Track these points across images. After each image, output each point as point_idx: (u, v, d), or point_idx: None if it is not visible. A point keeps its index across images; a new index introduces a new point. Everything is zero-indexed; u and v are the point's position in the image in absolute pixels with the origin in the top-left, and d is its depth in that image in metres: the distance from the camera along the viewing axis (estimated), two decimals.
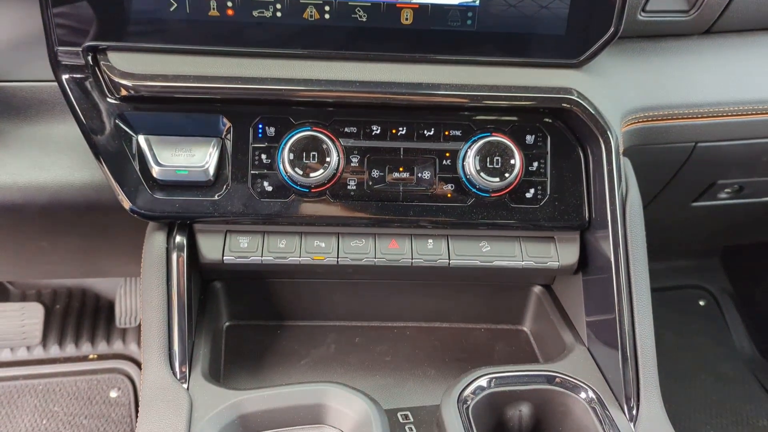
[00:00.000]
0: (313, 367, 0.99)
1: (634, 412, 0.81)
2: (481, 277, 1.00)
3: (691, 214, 1.29)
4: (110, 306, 1.81)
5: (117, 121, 0.84)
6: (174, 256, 0.86)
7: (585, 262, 0.93)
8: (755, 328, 1.83)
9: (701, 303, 1.93)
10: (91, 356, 1.72)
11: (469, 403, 0.82)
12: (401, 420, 0.87)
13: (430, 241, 0.90)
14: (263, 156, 0.86)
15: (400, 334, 1.06)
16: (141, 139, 0.84)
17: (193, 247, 0.88)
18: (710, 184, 1.17)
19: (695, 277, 1.95)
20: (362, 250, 0.89)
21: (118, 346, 1.74)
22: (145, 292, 0.85)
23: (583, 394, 0.84)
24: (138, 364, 1.70)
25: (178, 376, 0.83)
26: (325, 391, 0.82)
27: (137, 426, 0.77)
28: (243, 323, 1.05)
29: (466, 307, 1.08)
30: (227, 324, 1.04)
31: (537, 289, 1.05)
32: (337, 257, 0.88)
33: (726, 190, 1.20)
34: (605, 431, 0.79)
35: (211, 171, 0.85)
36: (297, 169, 0.84)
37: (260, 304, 1.05)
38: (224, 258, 0.88)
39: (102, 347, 1.73)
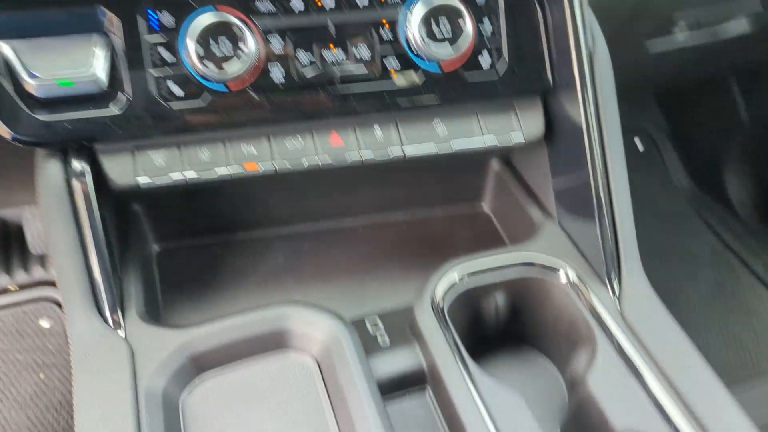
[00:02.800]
0: (262, 285, 0.89)
1: (616, 287, 0.76)
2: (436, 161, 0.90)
3: (643, 58, 1.21)
4: (20, 232, 1.62)
5: None
6: (76, 185, 0.71)
7: (549, 128, 0.83)
8: (693, 165, 1.84)
9: (638, 142, 1.92)
10: (11, 288, 1.56)
11: (443, 305, 0.75)
12: (371, 328, 0.79)
13: (377, 126, 0.78)
14: (162, 51, 0.69)
15: (352, 233, 0.96)
16: (2, 46, 0.66)
17: (99, 172, 0.73)
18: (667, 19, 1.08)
19: (632, 118, 1.92)
20: (301, 150, 0.76)
21: (38, 273, 1.58)
22: (51, 234, 0.71)
23: (562, 276, 0.78)
24: None
25: (111, 323, 0.72)
26: (284, 315, 0.73)
27: (74, 390, 0.67)
28: (174, 246, 0.93)
29: (420, 193, 0.98)
30: (157, 250, 0.91)
31: (495, 163, 0.96)
32: (273, 162, 0.75)
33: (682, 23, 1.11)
34: (590, 313, 0.74)
35: (103, 77, 0.68)
36: (207, 63, 0.69)
37: (191, 221, 0.92)
38: (140, 181, 0.73)
39: (21, 277, 1.57)
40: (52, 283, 1.57)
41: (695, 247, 1.70)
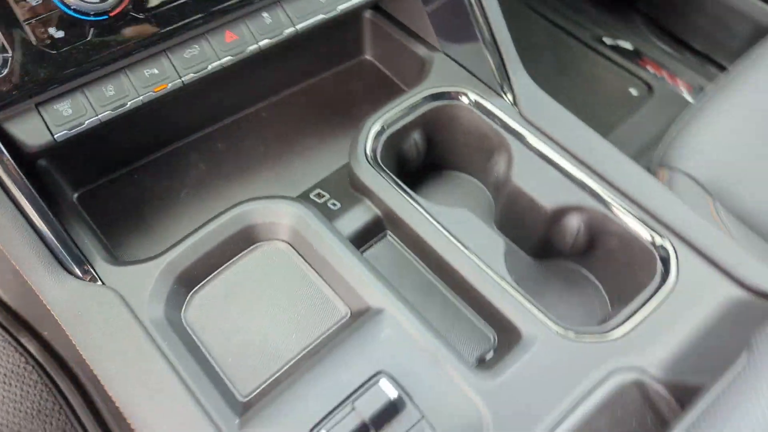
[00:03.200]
0: (197, 195, 0.91)
1: (510, 95, 0.88)
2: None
3: None
4: None
5: None
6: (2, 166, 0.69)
7: None
8: None
9: None
10: None
11: (375, 153, 0.83)
12: (318, 200, 0.86)
13: (265, 14, 0.79)
14: None
15: (256, 119, 0.99)
16: None
17: (6, 140, 0.70)
18: None
19: None
20: (200, 56, 0.76)
21: None
22: None
23: (464, 99, 0.88)
24: None
25: (83, 277, 0.73)
26: (244, 213, 0.77)
27: (83, 351, 0.70)
28: (92, 187, 0.91)
29: (305, 65, 1.02)
30: (76, 196, 0.90)
31: (367, 13, 1.00)
32: (180, 77, 0.75)
33: None
34: (496, 122, 0.86)
35: None
36: None
37: (100, 158, 0.90)
38: (56, 136, 0.71)
39: None
40: None
41: (534, 37, 1.87)
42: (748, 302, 0.69)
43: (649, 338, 0.68)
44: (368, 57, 1.06)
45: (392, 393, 0.63)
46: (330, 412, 0.63)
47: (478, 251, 0.75)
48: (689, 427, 0.51)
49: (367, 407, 0.62)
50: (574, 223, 0.81)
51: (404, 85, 1.02)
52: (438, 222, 0.77)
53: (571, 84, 1.80)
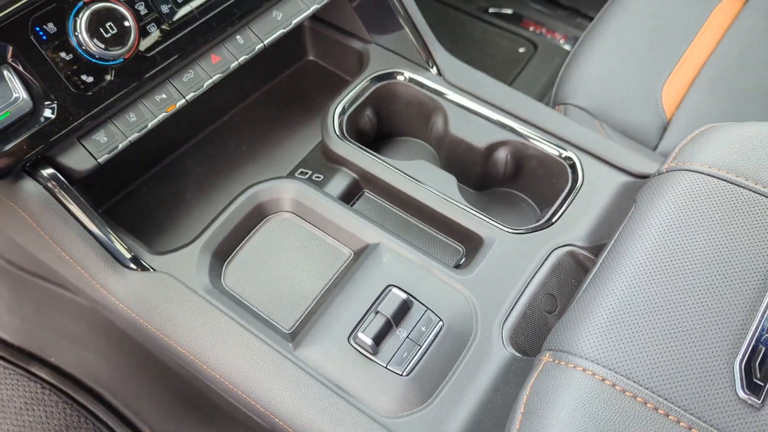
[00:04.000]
0: (200, 193, 1.10)
1: (435, 68, 1.12)
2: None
3: None
4: None
5: None
6: (55, 188, 0.86)
7: None
8: None
9: None
10: None
11: (342, 129, 1.05)
12: (303, 177, 1.08)
13: (238, 37, 0.99)
14: (62, 54, 0.82)
15: (232, 124, 1.19)
16: None
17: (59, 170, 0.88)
18: None
19: None
20: (195, 78, 0.96)
21: None
22: (59, 235, 0.86)
23: (400, 77, 1.12)
24: None
25: (139, 269, 0.91)
26: (254, 194, 0.97)
27: (156, 332, 0.87)
28: (109, 203, 1.09)
29: (262, 71, 1.22)
30: (100, 212, 1.07)
31: (306, 21, 1.21)
32: (184, 96, 0.95)
33: None
34: (429, 91, 1.10)
35: (27, 97, 0.80)
36: (100, 44, 0.84)
37: (112, 178, 1.08)
38: (99, 160, 0.89)
39: None
40: None
41: (427, 17, 2.12)
42: (634, 183, 0.97)
43: (573, 222, 0.95)
44: (312, 58, 1.28)
45: (403, 295, 0.86)
46: (360, 320, 0.86)
47: (438, 187, 0.99)
48: (600, 264, 0.78)
49: (386, 309, 0.85)
50: (502, 155, 1.06)
51: (348, 76, 1.25)
52: (403, 172, 1.01)
53: (468, 51, 2.08)
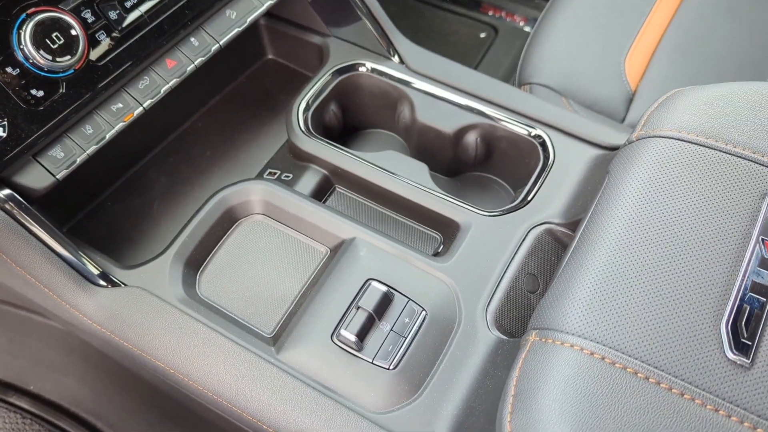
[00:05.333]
0: (166, 203, 1.07)
1: (396, 56, 1.10)
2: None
3: None
4: None
5: None
6: (12, 208, 0.82)
7: None
8: None
9: None
10: None
11: (308, 125, 1.03)
12: (271, 177, 1.05)
13: (193, 39, 0.96)
14: (8, 69, 0.79)
15: (195, 130, 1.16)
16: None
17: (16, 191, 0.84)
18: None
19: None
20: (152, 84, 0.93)
21: None
22: (17, 255, 0.83)
23: (362, 69, 1.10)
24: None
25: (109, 285, 0.88)
26: (224, 198, 0.95)
27: (135, 346, 0.84)
28: (74, 221, 1.05)
29: (220, 74, 1.19)
30: (65, 230, 1.03)
31: (261, 20, 1.19)
32: (141, 105, 0.92)
33: None
34: (393, 80, 1.08)
35: None
36: (53, 58, 0.81)
37: (75, 194, 1.04)
38: (57, 176, 0.86)
39: None
40: None
41: (387, 9, 2.11)
42: (605, 155, 0.96)
43: (548, 199, 0.94)
44: (271, 56, 1.25)
45: (383, 288, 0.84)
46: (342, 317, 0.84)
47: (410, 176, 0.98)
48: (578, 239, 0.77)
49: (368, 303, 0.83)
50: (471, 139, 1.05)
51: (308, 72, 1.22)
52: (373, 164, 0.99)
53: (429, 40, 2.07)
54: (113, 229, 1.05)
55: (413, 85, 1.07)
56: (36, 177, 0.85)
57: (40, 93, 0.82)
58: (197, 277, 0.93)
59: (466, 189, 1.11)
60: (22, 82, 0.80)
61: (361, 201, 1.04)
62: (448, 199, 0.95)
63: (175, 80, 0.95)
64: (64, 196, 1.01)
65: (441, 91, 1.06)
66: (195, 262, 0.93)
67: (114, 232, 1.05)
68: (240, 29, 1.00)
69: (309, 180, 1.03)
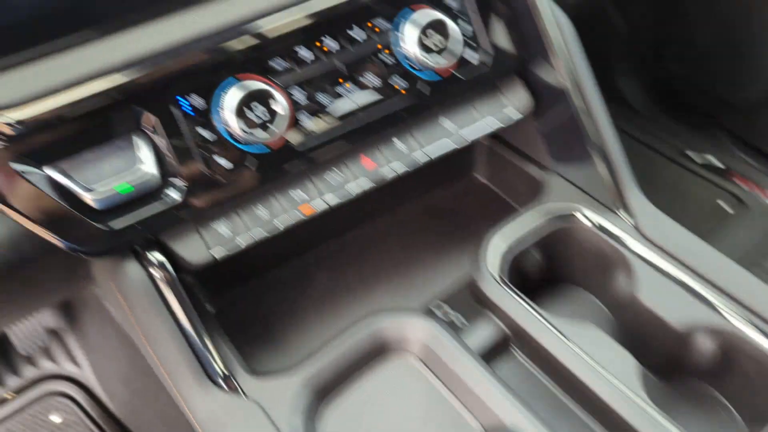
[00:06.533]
0: (318, 306, 0.95)
1: (625, 213, 0.90)
2: None
3: None
4: None
5: (11, 164, 0.65)
6: (159, 276, 0.75)
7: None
8: None
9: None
10: (7, 396, 1.50)
11: (500, 270, 0.86)
12: (437, 311, 0.89)
13: (395, 139, 0.86)
14: (202, 131, 0.73)
15: (374, 234, 1.05)
16: (50, 171, 0.67)
17: (169, 257, 0.77)
18: None
19: None
20: (342, 181, 0.83)
21: (29, 372, 1.53)
22: (149, 327, 0.75)
23: (583, 219, 0.91)
24: (67, 379, 1.53)
25: (229, 390, 0.76)
26: (378, 326, 0.80)
27: None
28: (225, 301, 0.97)
29: (418, 182, 1.08)
30: (213, 311, 0.95)
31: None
32: (323, 199, 0.82)
33: None
34: (616, 242, 0.88)
35: (156, 173, 0.71)
36: (249, 131, 0.73)
37: (234, 275, 0.96)
38: (214, 255, 0.77)
39: (13, 382, 1.52)
40: (51, 377, 1.53)
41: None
42: None
43: None
44: (477, 176, 1.12)
45: None
46: None
47: (611, 368, 0.75)
48: None
49: None
50: (706, 345, 0.80)
51: (516, 203, 1.07)
52: (566, 337, 0.78)
53: (658, 198, 1.82)
54: (257, 317, 0.96)
55: (641, 254, 0.86)
56: (194, 250, 0.77)
57: (229, 165, 0.75)
58: (320, 408, 0.78)
59: (680, 402, 0.85)
60: (213, 149, 0.74)
61: (535, 375, 0.83)
62: (666, 422, 0.70)
63: (369, 185, 0.84)
64: (216, 274, 0.94)
65: (678, 271, 0.83)
66: (324, 391, 0.78)
67: (255, 321, 0.95)
68: (457, 147, 0.88)
69: (484, 333, 0.84)
